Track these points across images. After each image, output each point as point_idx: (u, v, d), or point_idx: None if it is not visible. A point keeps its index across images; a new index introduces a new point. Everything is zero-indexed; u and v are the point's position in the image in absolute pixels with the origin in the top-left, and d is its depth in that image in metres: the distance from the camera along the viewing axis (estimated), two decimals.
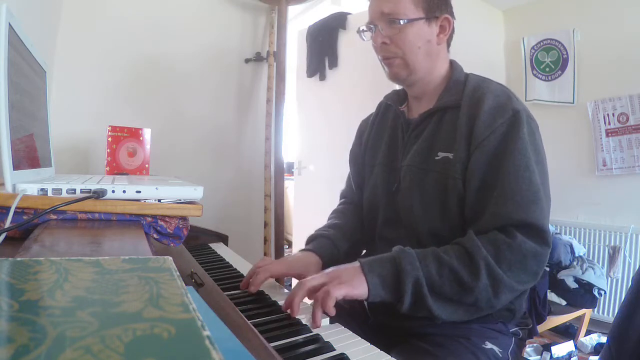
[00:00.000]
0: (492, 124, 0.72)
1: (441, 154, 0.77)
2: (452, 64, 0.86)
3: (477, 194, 0.72)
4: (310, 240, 0.88)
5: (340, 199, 1.06)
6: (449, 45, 0.86)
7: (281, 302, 0.69)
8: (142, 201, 0.64)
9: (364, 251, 0.96)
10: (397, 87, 0.95)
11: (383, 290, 0.65)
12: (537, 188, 0.69)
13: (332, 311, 0.60)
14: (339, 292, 0.61)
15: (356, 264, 0.68)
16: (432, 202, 0.77)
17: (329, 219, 0.98)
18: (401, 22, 0.77)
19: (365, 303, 0.85)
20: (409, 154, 0.83)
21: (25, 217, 0.55)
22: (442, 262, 0.66)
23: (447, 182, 0.75)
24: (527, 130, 0.72)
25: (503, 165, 0.70)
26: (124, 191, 0.63)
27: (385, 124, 0.94)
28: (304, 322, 0.61)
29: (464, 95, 0.78)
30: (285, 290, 0.78)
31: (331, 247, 0.86)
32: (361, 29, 0.84)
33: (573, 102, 2.53)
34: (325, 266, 0.83)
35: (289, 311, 0.63)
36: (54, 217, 0.57)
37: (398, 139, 0.88)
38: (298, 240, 2.80)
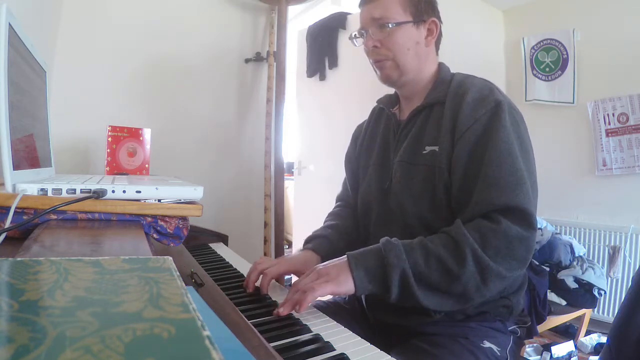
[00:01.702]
0: (475, 114, 0.74)
1: (428, 148, 0.79)
2: (440, 66, 0.89)
3: (462, 183, 0.73)
4: (308, 241, 0.90)
5: (337, 202, 1.08)
6: (437, 47, 0.89)
7: (279, 300, 0.69)
8: (142, 201, 0.64)
9: None
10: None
11: (370, 284, 0.67)
12: (521, 174, 0.69)
13: (304, 306, 0.62)
14: (323, 290, 0.63)
15: (343, 258, 0.69)
16: (422, 196, 0.78)
17: (325, 221, 1.00)
18: (390, 25, 0.80)
19: (364, 302, 0.85)
20: (399, 150, 0.85)
21: (25, 217, 0.55)
22: (428, 252, 0.67)
23: (435, 175, 0.76)
24: (510, 119, 0.73)
25: (485, 153, 0.71)
26: (124, 191, 0.63)
27: (378, 127, 0.97)
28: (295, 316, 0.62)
29: (449, 91, 0.80)
30: (284, 288, 0.78)
31: (329, 245, 0.87)
32: (353, 34, 0.88)
33: (573, 102, 2.53)
34: (323, 262, 0.83)
35: (279, 310, 0.63)
36: (54, 217, 0.57)
37: (390, 139, 0.90)
38: (298, 240, 2.80)
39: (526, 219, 0.67)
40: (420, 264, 0.66)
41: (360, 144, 1.00)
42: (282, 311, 0.62)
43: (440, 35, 0.87)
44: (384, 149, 0.91)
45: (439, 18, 0.86)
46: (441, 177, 0.75)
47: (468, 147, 0.73)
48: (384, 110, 0.96)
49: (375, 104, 1.01)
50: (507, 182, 0.68)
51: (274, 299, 0.71)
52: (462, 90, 0.78)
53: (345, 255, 0.70)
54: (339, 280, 0.65)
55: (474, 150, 0.73)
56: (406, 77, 0.84)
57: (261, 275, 0.75)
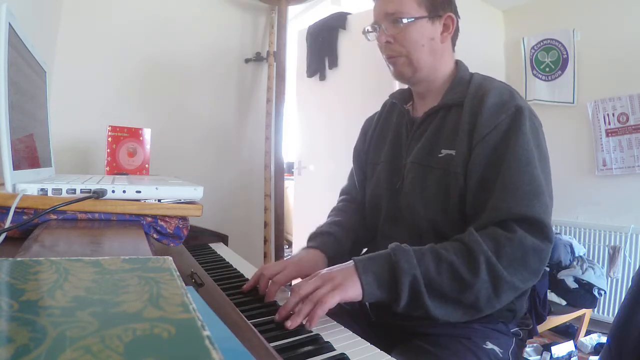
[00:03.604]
0: (495, 119, 0.72)
1: (444, 151, 0.77)
2: (458, 64, 0.87)
3: (478, 189, 0.71)
4: (313, 237, 0.87)
5: (341, 195, 1.05)
6: (454, 44, 0.86)
7: (281, 302, 0.68)
8: (142, 201, 0.64)
9: (365, 249, 0.95)
10: (396, 87, 0.95)
11: (378, 290, 0.64)
12: (539, 183, 0.68)
13: (315, 321, 0.58)
14: (332, 300, 0.60)
15: (350, 263, 0.66)
16: (435, 199, 0.77)
17: (328, 216, 0.97)
18: (404, 20, 0.78)
19: (367, 302, 0.85)
20: (412, 151, 0.83)
21: (25, 217, 0.55)
22: (440, 259, 0.65)
23: (450, 179, 0.75)
24: (530, 126, 0.72)
25: (504, 159, 0.69)
26: (124, 191, 0.63)
27: (389, 123, 0.95)
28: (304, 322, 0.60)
29: (467, 93, 0.78)
30: (286, 290, 0.78)
31: (335, 243, 0.85)
32: (366, 29, 0.85)
33: (573, 102, 2.53)
34: (330, 263, 0.82)
35: (287, 323, 0.59)
36: (54, 217, 0.57)
37: (402, 137, 0.88)
38: (298, 240, 2.80)
39: (542, 231, 0.66)
40: (431, 270, 0.63)
41: (370, 137, 0.98)
42: (291, 325, 0.58)
43: (457, 31, 0.84)
44: (395, 146, 0.89)
45: (456, 13, 0.83)
46: (456, 182, 0.73)
47: (486, 152, 0.71)
48: (396, 105, 0.94)
49: (388, 98, 0.99)
50: (525, 191, 0.67)
51: (274, 299, 0.71)
52: (482, 93, 0.76)
53: (352, 260, 0.67)
54: (345, 286, 0.62)
55: (492, 156, 0.71)
56: (420, 74, 0.82)
57: (270, 282, 0.72)
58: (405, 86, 0.94)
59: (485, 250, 0.63)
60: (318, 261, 0.81)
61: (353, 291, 0.62)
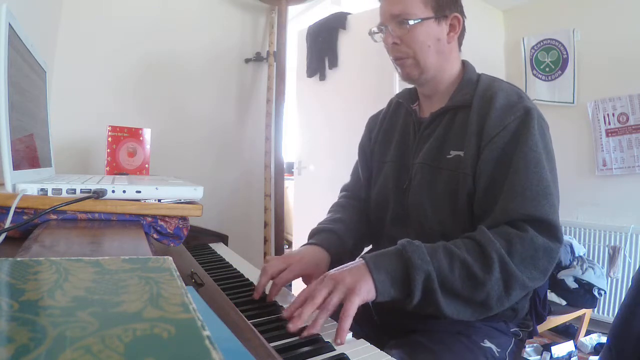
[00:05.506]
0: (503, 121, 0.72)
1: (453, 153, 0.77)
2: (465, 64, 0.87)
3: (487, 189, 0.71)
4: (314, 233, 0.86)
5: (341, 192, 1.04)
6: (460, 44, 0.86)
7: (281, 303, 0.68)
8: (142, 201, 0.64)
9: (370, 247, 0.95)
10: (396, 87, 0.95)
11: (392, 288, 0.62)
12: (548, 184, 0.68)
13: (317, 327, 0.57)
14: (353, 309, 0.58)
15: (360, 262, 0.65)
16: (443, 200, 0.77)
17: (329, 212, 0.97)
18: (410, 22, 0.78)
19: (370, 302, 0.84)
20: (421, 152, 0.83)
21: (25, 217, 0.55)
22: (453, 256, 0.64)
23: (458, 180, 0.74)
24: (538, 128, 0.72)
25: (513, 160, 0.69)
26: (124, 191, 0.63)
27: (395, 122, 0.94)
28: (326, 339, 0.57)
29: (475, 94, 0.78)
30: (288, 291, 0.78)
31: (337, 241, 0.84)
32: (372, 30, 0.85)
33: (573, 102, 2.53)
34: (332, 261, 0.81)
35: (289, 325, 0.57)
36: (54, 217, 0.57)
37: (409, 137, 0.88)
38: (298, 240, 2.80)
39: (551, 231, 0.66)
40: (444, 267, 0.62)
41: (375, 136, 0.98)
42: (292, 328, 0.56)
43: (463, 31, 0.84)
44: (402, 146, 0.89)
45: (462, 13, 0.83)
46: (465, 183, 0.73)
47: (495, 153, 0.72)
48: (402, 105, 0.94)
49: (394, 97, 0.98)
50: (534, 192, 0.67)
51: (274, 299, 0.71)
52: (490, 95, 0.76)
53: (362, 258, 0.65)
54: (359, 289, 0.59)
55: (501, 157, 0.71)
56: (427, 75, 0.82)
57: (270, 282, 0.71)
58: (411, 85, 0.93)
59: (498, 248, 0.63)
60: (321, 260, 0.79)
61: (367, 292, 0.61)
